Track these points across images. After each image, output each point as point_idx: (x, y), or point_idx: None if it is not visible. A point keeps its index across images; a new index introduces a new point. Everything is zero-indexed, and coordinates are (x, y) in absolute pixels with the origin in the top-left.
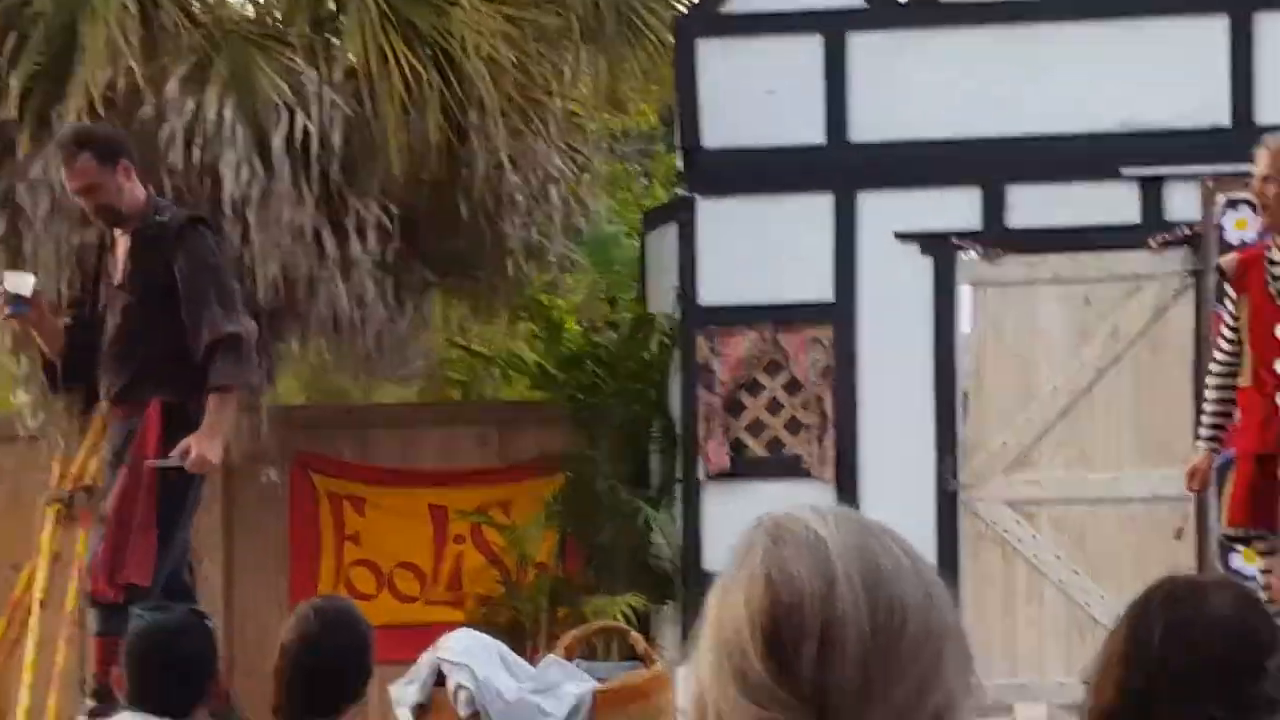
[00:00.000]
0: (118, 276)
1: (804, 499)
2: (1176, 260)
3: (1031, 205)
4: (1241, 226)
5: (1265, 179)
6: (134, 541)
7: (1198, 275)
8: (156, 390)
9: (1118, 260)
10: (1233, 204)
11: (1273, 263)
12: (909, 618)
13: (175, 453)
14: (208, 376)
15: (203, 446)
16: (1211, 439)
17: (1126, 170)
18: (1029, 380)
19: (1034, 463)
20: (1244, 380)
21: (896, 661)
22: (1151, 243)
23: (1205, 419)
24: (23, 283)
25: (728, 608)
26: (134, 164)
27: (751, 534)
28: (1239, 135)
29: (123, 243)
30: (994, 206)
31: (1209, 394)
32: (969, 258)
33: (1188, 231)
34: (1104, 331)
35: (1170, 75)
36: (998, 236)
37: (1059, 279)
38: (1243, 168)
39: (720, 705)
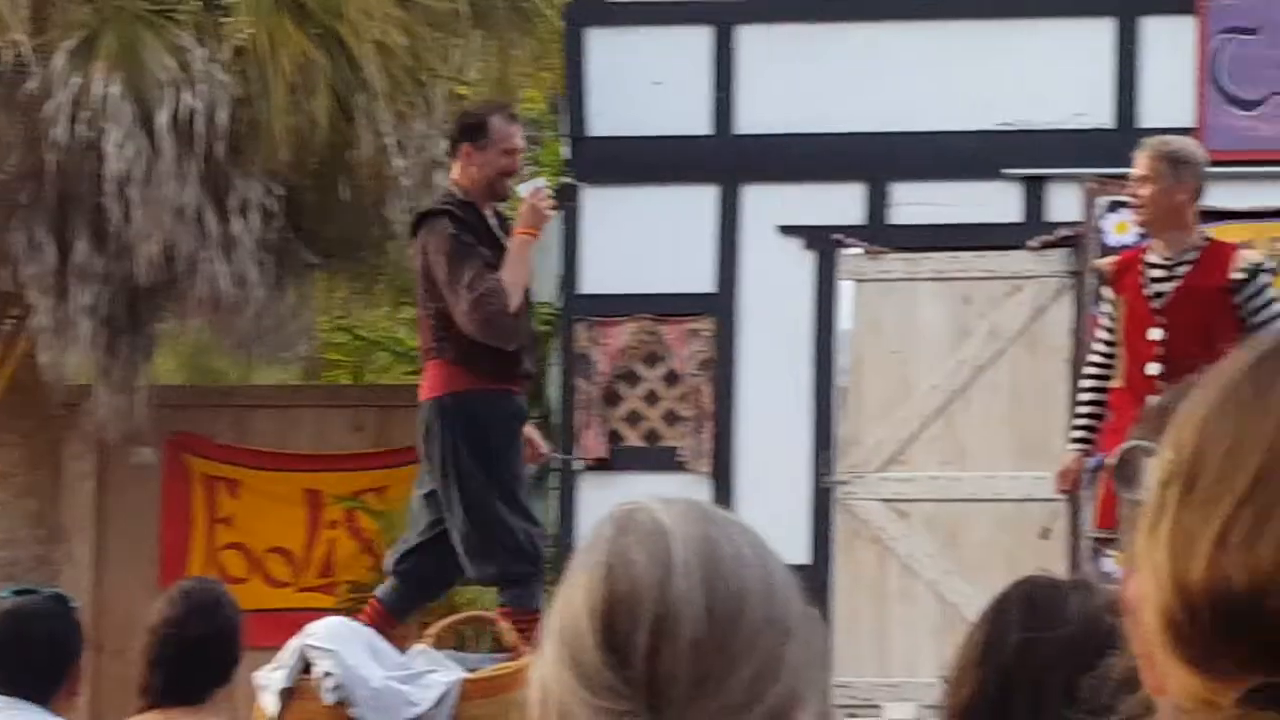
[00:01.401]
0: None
1: (678, 492)
2: (1056, 261)
3: (914, 202)
4: (1122, 230)
5: (1142, 180)
6: None
7: (1077, 276)
8: None
9: (998, 260)
10: (1114, 206)
11: (1149, 266)
12: (746, 608)
13: None
14: None
15: None
16: (1083, 440)
17: (1009, 170)
18: (907, 378)
19: (909, 461)
20: (1118, 383)
21: (732, 652)
22: (1032, 243)
23: (1078, 421)
24: (538, 185)
25: (570, 597)
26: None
27: (600, 524)
28: (1122, 138)
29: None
30: (877, 203)
31: (1082, 395)
32: (851, 253)
33: (1068, 233)
34: (983, 330)
35: (1055, 76)
36: (880, 233)
37: (939, 277)
38: (1125, 170)
39: (560, 694)
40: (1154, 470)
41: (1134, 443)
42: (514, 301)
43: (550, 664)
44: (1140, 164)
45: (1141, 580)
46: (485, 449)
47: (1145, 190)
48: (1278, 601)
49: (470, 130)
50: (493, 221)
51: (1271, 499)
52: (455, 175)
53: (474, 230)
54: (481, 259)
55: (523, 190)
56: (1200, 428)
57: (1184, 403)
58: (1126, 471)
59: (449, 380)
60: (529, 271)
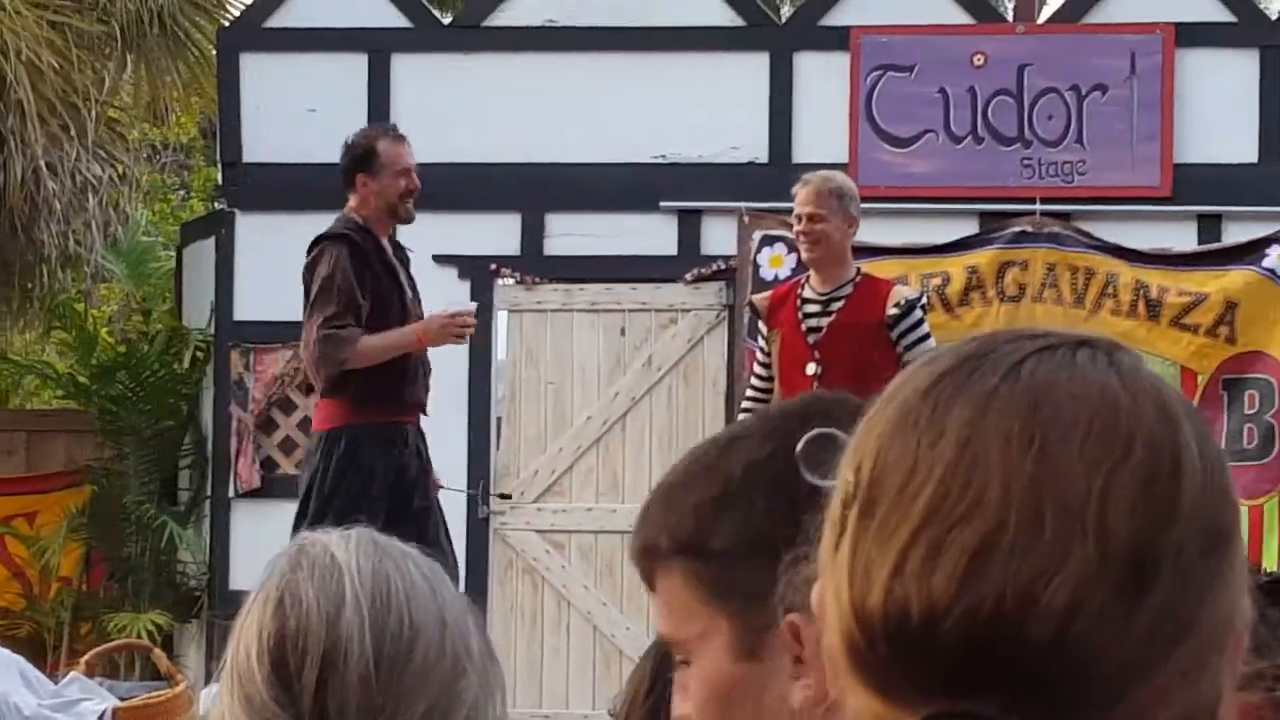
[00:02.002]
0: (409, 292)
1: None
2: (711, 294)
3: (570, 234)
4: (776, 263)
5: (813, 217)
6: None
7: (731, 309)
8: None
9: (654, 292)
10: (769, 240)
11: (805, 300)
12: (419, 644)
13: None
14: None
15: None
16: None
17: (665, 203)
18: (563, 408)
19: (565, 492)
20: None
21: (403, 688)
22: (687, 276)
23: None
24: (471, 306)
25: (243, 632)
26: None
27: (276, 558)
28: (777, 173)
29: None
30: (533, 233)
31: None
32: (506, 284)
33: (723, 266)
34: (638, 362)
35: (711, 111)
36: (536, 263)
37: (595, 308)
38: (779, 205)
39: None
40: (835, 489)
41: (820, 431)
42: (355, 363)
43: (225, 699)
44: (809, 200)
45: (823, 594)
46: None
47: (819, 226)
48: (953, 630)
49: (360, 160)
50: (388, 251)
51: (946, 527)
52: (353, 205)
53: (370, 259)
54: (354, 303)
55: (451, 307)
56: (878, 451)
57: (864, 419)
58: (813, 457)
59: (325, 415)
60: (391, 351)
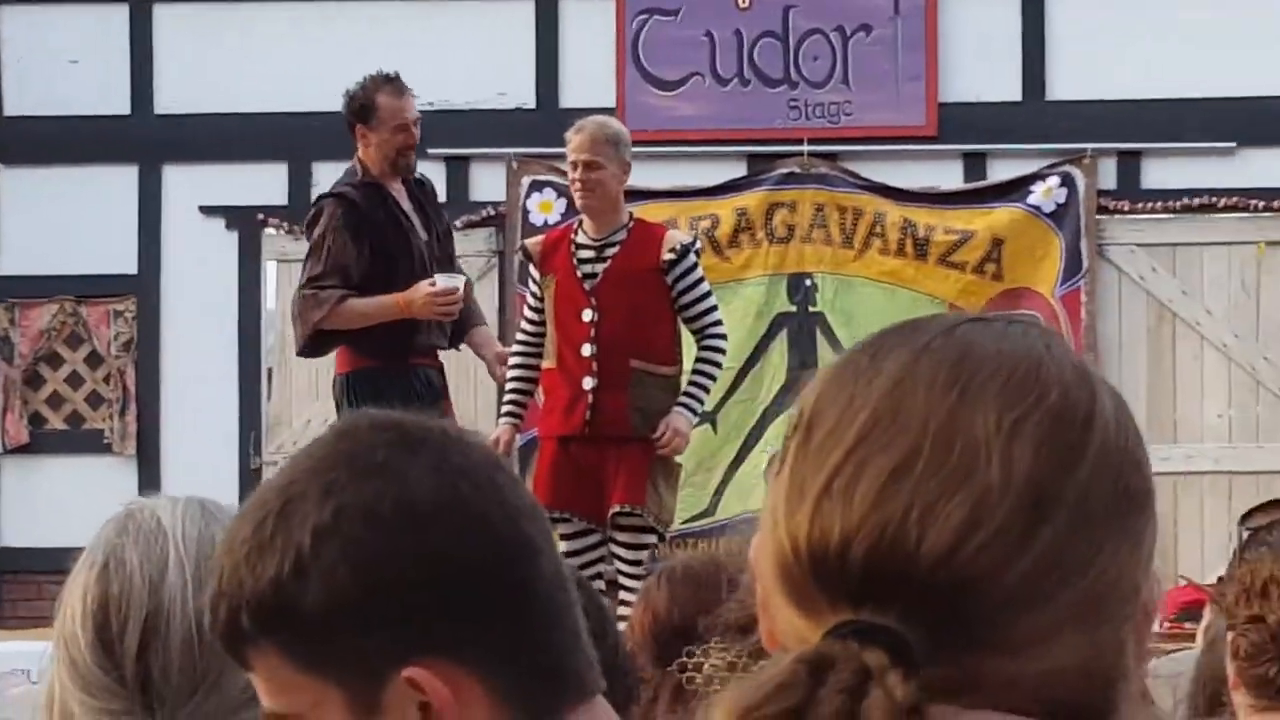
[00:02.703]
0: (424, 235)
1: (103, 475)
2: (481, 240)
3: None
4: (546, 209)
5: (590, 164)
6: None
7: (501, 255)
8: None
9: None
10: (537, 186)
11: (579, 246)
12: None
13: None
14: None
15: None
16: (513, 415)
17: (433, 150)
18: (332, 357)
19: None
20: (549, 362)
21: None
22: (456, 222)
23: (509, 396)
24: (455, 283)
25: (69, 597)
26: None
27: (104, 524)
28: (544, 118)
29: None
30: (300, 182)
31: (512, 373)
32: (273, 233)
33: (492, 212)
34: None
35: (476, 57)
36: (303, 213)
37: None
38: (547, 150)
39: (61, 694)
40: (787, 424)
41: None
42: (334, 324)
43: (54, 663)
44: (584, 147)
45: (761, 527)
46: None
47: (595, 174)
48: (862, 544)
49: (359, 112)
50: (401, 197)
51: (871, 452)
52: (359, 153)
53: (372, 213)
54: (339, 265)
55: (439, 280)
56: (822, 387)
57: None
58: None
59: (341, 359)
60: (372, 318)
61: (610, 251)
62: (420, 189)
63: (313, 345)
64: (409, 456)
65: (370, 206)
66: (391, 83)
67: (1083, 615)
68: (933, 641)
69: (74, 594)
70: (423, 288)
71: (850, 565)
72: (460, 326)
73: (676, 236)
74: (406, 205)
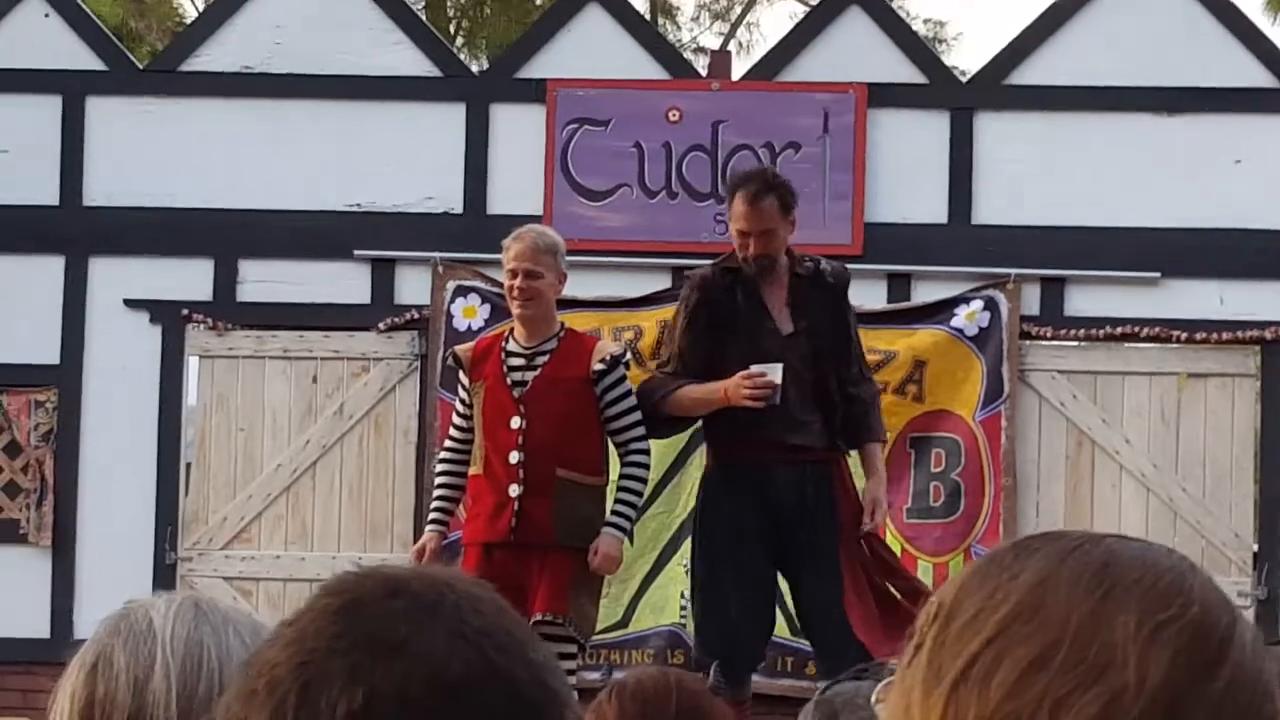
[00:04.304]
0: (788, 324)
1: (18, 564)
2: (404, 343)
3: (264, 280)
4: (470, 314)
5: (519, 272)
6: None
7: (423, 359)
8: (839, 441)
9: (346, 340)
10: (462, 291)
11: (509, 354)
12: None
13: (870, 509)
14: (868, 427)
15: (883, 500)
16: (440, 521)
17: (359, 251)
18: (253, 455)
19: (253, 538)
20: (475, 469)
21: None
22: (380, 325)
23: (435, 503)
24: (776, 374)
25: (60, 695)
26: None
27: (101, 622)
28: (471, 223)
29: (776, 290)
30: (226, 279)
31: (440, 479)
32: (198, 329)
33: (416, 315)
34: (330, 410)
35: (407, 160)
36: (228, 309)
37: (287, 355)
38: (474, 255)
39: None
40: (920, 612)
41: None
42: (671, 410)
43: None
44: (524, 255)
45: (889, 712)
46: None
47: (534, 282)
48: None
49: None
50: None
51: (1010, 644)
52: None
53: (723, 299)
54: (679, 349)
55: (754, 367)
56: (964, 580)
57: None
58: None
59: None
60: (700, 407)
61: (541, 360)
62: (815, 274)
63: (658, 429)
64: (429, 625)
65: (726, 289)
66: (749, 183)
67: None
68: None
69: (64, 693)
70: (741, 373)
71: None
72: (852, 432)
73: (607, 347)
74: (775, 295)
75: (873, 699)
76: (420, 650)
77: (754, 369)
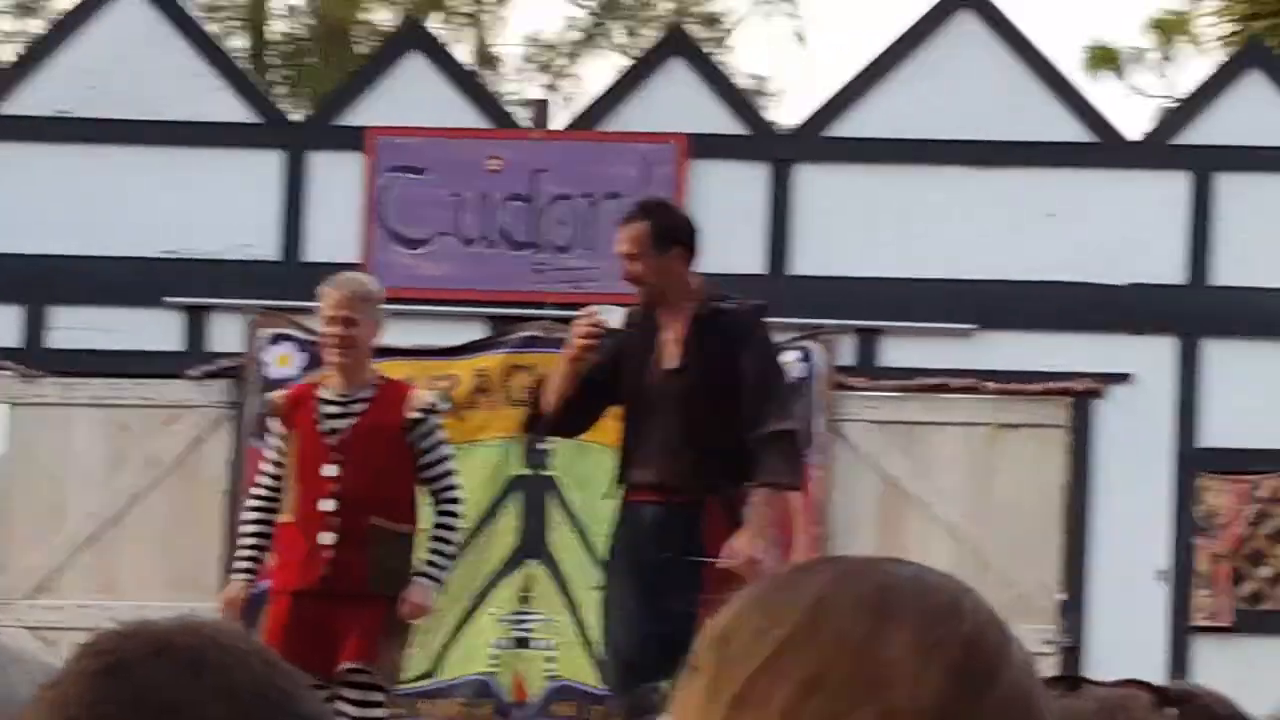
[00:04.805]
0: (673, 361)
1: None
2: (216, 391)
3: (73, 327)
4: (284, 362)
5: (338, 319)
6: None
7: (237, 408)
8: (713, 482)
9: (157, 388)
10: (276, 339)
11: (323, 401)
12: None
13: (724, 552)
14: (755, 470)
15: (743, 544)
16: (248, 570)
17: (170, 298)
18: (60, 504)
19: (58, 589)
20: (286, 516)
21: None
22: (192, 372)
23: (243, 551)
24: (613, 316)
25: None
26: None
27: None
28: (288, 270)
29: (673, 327)
30: (34, 325)
31: (248, 527)
32: (7, 376)
33: (230, 364)
34: (140, 459)
35: (222, 206)
36: (36, 356)
37: (97, 403)
38: (289, 303)
39: None
40: (700, 636)
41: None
42: (545, 400)
43: None
44: (342, 304)
45: None
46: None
47: (352, 330)
48: None
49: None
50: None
51: (787, 664)
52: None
53: (631, 332)
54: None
55: (592, 307)
56: (741, 604)
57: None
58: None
59: None
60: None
61: (357, 408)
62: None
63: (552, 422)
64: (195, 686)
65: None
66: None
67: None
68: None
69: None
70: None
71: None
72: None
73: (422, 396)
74: (671, 330)
75: None
76: (189, 715)
77: (591, 308)
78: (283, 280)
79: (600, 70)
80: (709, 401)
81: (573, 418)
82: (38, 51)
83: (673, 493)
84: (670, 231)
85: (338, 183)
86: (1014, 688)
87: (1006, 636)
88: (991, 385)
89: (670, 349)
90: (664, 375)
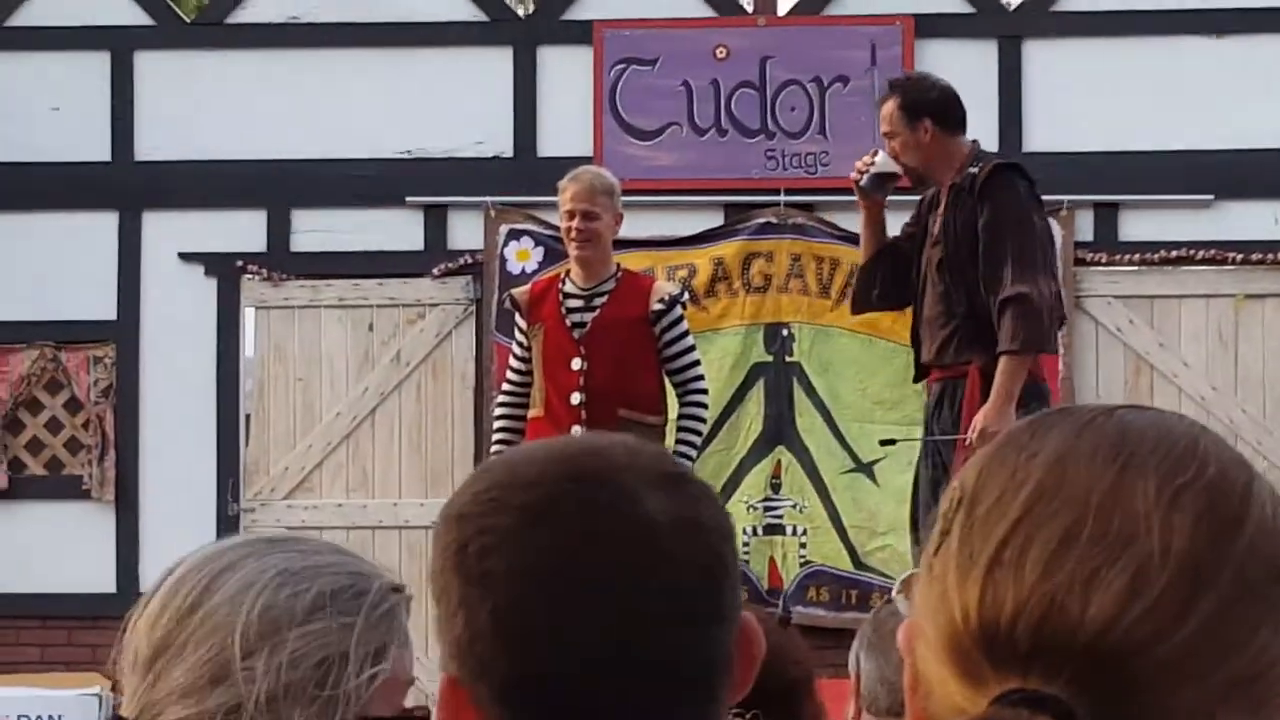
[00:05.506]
0: (934, 234)
1: (82, 520)
2: (458, 288)
3: (317, 229)
4: (523, 257)
5: (577, 213)
6: None
7: (479, 304)
8: (971, 354)
9: (401, 287)
10: (515, 234)
11: (567, 295)
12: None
13: (968, 428)
14: (991, 341)
15: (989, 418)
16: None
17: (411, 198)
18: (311, 405)
19: (315, 487)
20: (535, 411)
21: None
22: (434, 270)
23: (495, 446)
24: (890, 164)
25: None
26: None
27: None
28: (522, 166)
29: (943, 200)
30: (279, 230)
31: (499, 423)
32: (253, 280)
33: (470, 260)
34: (386, 357)
35: (455, 105)
36: (282, 260)
37: (342, 304)
38: (525, 199)
39: None
40: (943, 500)
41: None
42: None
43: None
44: (581, 197)
45: (922, 600)
46: None
47: (592, 224)
48: (1034, 613)
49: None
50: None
51: (1037, 524)
52: None
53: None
54: None
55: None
56: (982, 464)
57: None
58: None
59: None
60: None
61: (599, 301)
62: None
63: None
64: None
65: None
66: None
67: (1243, 694)
68: (1097, 712)
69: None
70: None
71: (1020, 633)
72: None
73: (665, 287)
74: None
75: (894, 592)
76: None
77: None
78: (517, 176)
79: None
80: (958, 270)
81: (887, 289)
82: None
83: (940, 368)
84: (918, 105)
85: (567, 77)
86: (1263, 527)
87: (1252, 476)
88: (1234, 256)
89: (937, 223)
90: (929, 249)
